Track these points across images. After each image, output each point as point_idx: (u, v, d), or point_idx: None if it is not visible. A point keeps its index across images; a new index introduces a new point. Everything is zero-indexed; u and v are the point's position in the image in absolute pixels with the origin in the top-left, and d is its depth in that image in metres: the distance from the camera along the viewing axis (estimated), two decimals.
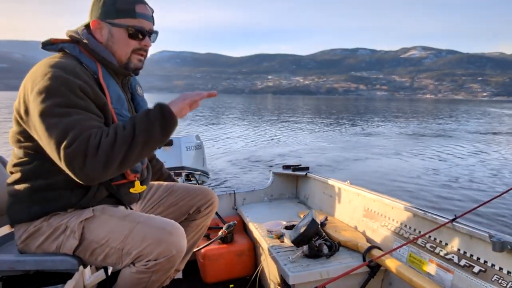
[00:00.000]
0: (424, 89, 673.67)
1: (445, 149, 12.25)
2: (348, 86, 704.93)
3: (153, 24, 1.50)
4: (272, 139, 15.03)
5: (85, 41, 1.40)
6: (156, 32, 1.52)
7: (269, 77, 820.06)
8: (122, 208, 1.51)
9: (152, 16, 1.49)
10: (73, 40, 1.42)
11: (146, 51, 1.50)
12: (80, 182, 1.21)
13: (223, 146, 12.73)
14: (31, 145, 1.32)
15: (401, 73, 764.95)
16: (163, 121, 1.26)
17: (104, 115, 1.35)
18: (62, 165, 1.19)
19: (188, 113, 1.40)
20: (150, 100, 1.62)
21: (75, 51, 1.39)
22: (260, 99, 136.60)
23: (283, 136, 16.06)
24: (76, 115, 1.22)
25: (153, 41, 1.52)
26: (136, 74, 1.59)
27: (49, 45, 1.42)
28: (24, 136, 1.33)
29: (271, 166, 8.15)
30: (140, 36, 1.44)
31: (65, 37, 1.44)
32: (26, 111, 1.26)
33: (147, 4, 1.47)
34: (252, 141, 14.46)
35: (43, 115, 1.21)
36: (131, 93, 1.64)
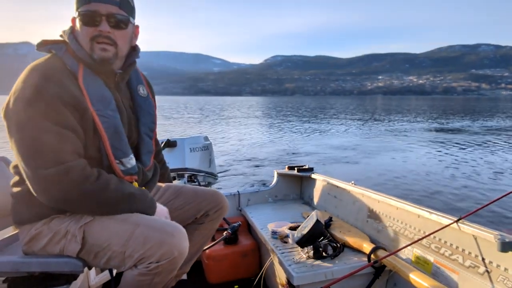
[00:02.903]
0: None
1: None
2: (468, 85, 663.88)
3: (121, 7, 1.35)
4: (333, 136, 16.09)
5: (67, 40, 1.37)
6: (120, 17, 1.35)
7: (380, 77, 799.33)
8: None
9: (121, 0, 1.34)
10: (63, 39, 1.39)
11: (109, 37, 1.34)
12: (34, 193, 1.26)
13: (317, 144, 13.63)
14: None
15: None
16: (145, 210, 1.43)
17: (86, 118, 1.32)
18: (30, 180, 1.24)
19: None
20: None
21: (61, 52, 1.35)
22: (368, 100, 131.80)
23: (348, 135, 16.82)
24: (51, 130, 1.22)
25: (122, 28, 1.36)
26: (128, 69, 1.50)
27: (42, 46, 1.38)
28: None
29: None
30: (93, 21, 1.31)
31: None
32: (6, 115, 1.26)
33: None
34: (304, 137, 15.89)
35: (18, 125, 1.22)
36: (132, 93, 1.58)
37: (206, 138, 4.16)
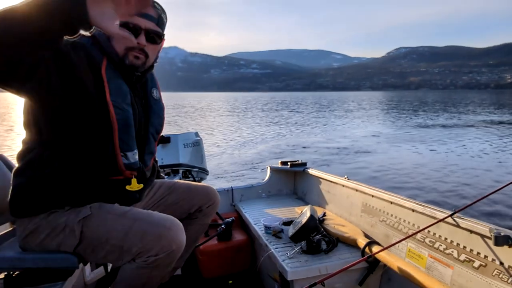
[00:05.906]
0: None
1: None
2: None
3: (158, 24, 1.45)
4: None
5: (96, 35, 1.41)
6: (157, 33, 1.45)
7: None
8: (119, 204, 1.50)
9: (159, 17, 1.44)
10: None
11: (143, 50, 1.43)
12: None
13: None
14: (35, 129, 1.34)
15: None
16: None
17: (101, 107, 1.34)
18: None
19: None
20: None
21: (87, 43, 1.39)
22: (508, 95, 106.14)
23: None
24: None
25: (156, 42, 1.47)
26: (146, 72, 1.56)
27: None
28: (29, 120, 1.34)
29: None
30: (133, 34, 1.36)
31: None
32: None
33: (153, 5, 1.42)
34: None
35: None
36: (146, 95, 1.62)
37: (196, 134, 4.16)
